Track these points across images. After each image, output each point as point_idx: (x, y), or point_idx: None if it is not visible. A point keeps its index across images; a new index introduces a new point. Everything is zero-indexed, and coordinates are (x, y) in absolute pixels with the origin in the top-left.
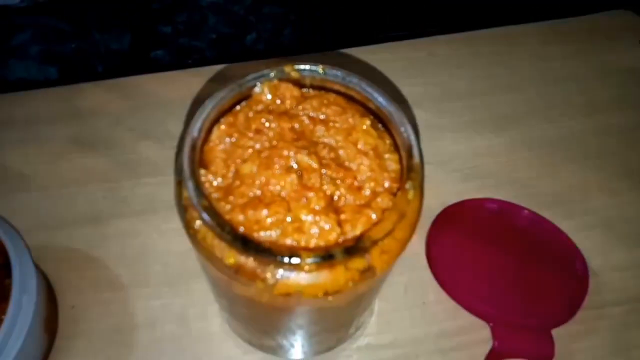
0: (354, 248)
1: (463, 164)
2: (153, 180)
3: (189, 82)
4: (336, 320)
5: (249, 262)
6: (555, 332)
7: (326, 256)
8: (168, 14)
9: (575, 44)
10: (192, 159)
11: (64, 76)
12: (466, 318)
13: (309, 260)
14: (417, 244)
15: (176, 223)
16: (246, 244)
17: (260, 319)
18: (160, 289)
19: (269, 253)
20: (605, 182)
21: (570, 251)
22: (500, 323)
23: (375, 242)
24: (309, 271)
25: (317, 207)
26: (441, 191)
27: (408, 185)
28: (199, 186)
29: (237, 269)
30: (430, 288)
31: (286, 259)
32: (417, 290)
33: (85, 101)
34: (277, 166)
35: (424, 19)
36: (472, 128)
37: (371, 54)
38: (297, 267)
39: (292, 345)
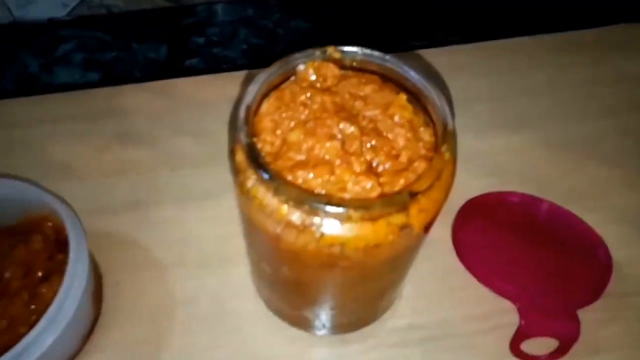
0: (394, 200)
1: (485, 161)
2: (189, 172)
3: (222, 84)
4: (372, 287)
5: (298, 214)
6: (581, 317)
7: (368, 207)
8: (201, 27)
9: (587, 53)
10: (247, 122)
11: (105, 81)
12: (493, 303)
13: (354, 210)
14: (444, 233)
15: (210, 211)
16: (299, 193)
17: (301, 281)
18: (196, 270)
19: (317, 202)
20: (625, 179)
21: (592, 239)
22: (526, 303)
23: (414, 196)
24: (353, 221)
25: (358, 170)
26: (465, 186)
27: (444, 148)
28: (253, 145)
29: (287, 223)
30: (457, 274)
31: (333, 209)
32: (444, 276)
33: (125, 101)
34: (321, 134)
35: (446, 30)
36: (492, 128)
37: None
38: (342, 218)
39: (324, 318)
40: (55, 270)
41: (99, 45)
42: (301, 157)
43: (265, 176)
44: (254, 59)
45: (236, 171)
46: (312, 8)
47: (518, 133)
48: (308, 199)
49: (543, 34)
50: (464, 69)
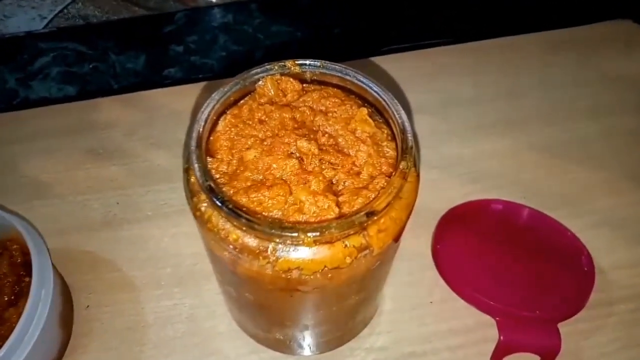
0: (350, 222)
1: (469, 167)
2: (164, 187)
3: (198, 94)
4: (339, 308)
5: (252, 239)
6: (562, 329)
7: (325, 229)
8: (180, 35)
9: (577, 51)
10: (199, 145)
11: (82, 94)
12: (473, 316)
13: (309, 233)
14: (423, 245)
15: (186, 227)
16: (248, 220)
17: (265, 305)
18: (171, 290)
19: (269, 227)
20: (610, 183)
21: (575, 247)
22: (506, 317)
23: (371, 216)
24: (308, 245)
25: (316, 189)
26: (447, 194)
27: (402, 164)
28: (205, 169)
29: (241, 247)
30: (436, 287)
31: (287, 233)
32: (423, 290)
33: (101, 114)
34: (278, 152)
35: (428, 31)
36: (477, 132)
37: (376, 65)
38: (297, 241)
39: (298, 339)
40: (24, 293)
41: (76, 57)
42: (258, 177)
43: (217, 202)
44: (233, 67)
45: (190, 193)
46: (293, 12)
47: (503, 137)
48: (259, 224)
49: (528, 32)
50: (448, 70)
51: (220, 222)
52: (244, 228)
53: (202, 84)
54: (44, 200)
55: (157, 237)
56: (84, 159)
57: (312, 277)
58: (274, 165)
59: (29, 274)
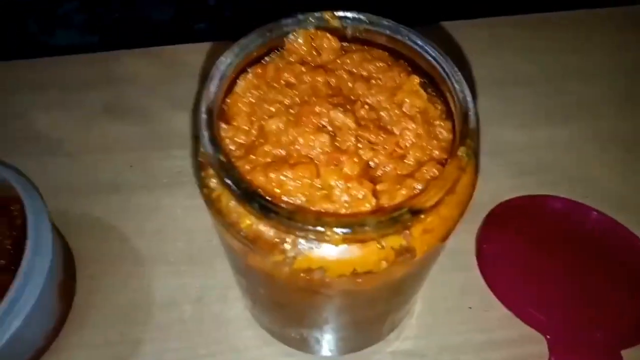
0: (391, 220)
1: (522, 157)
2: (182, 153)
3: None
4: (367, 313)
5: (268, 228)
6: (626, 356)
7: (357, 226)
8: None
9: None
10: (210, 108)
11: (105, 45)
12: (518, 328)
13: (337, 229)
14: (467, 241)
15: (201, 199)
16: (264, 205)
17: (280, 302)
18: (180, 267)
19: (289, 218)
20: None
21: None
22: (559, 336)
23: (416, 215)
24: (336, 243)
25: (350, 173)
26: (496, 186)
27: (461, 151)
28: (215, 138)
29: (254, 237)
30: (478, 291)
31: (310, 227)
32: (462, 293)
33: (121, 68)
34: (307, 124)
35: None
36: (532, 118)
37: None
38: (322, 237)
39: (316, 340)
40: (20, 258)
41: (102, 4)
42: (280, 152)
43: (228, 181)
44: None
45: (199, 165)
46: None
47: (564, 125)
48: (277, 213)
49: (596, 7)
50: (502, 45)
51: (232, 203)
52: (259, 215)
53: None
54: (53, 157)
55: (170, 208)
56: (99, 116)
57: (337, 280)
58: (300, 140)
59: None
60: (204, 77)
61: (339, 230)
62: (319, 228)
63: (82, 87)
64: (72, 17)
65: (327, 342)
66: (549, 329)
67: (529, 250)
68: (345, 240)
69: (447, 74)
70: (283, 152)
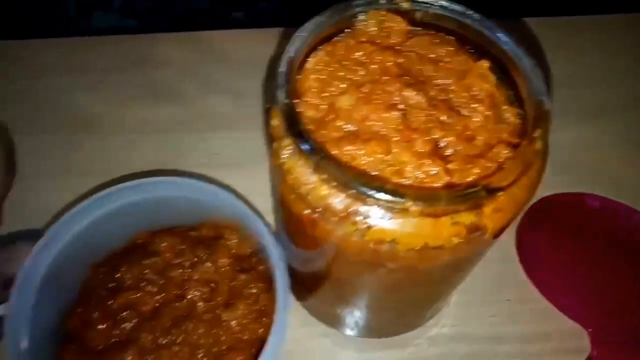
0: (467, 196)
1: (562, 154)
2: (220, 135)
3: (265, 41)
4: (419, 293)
5: (342, 199)
6: None
7: (434, 200)
8: None
9: None
10: (288, 80)
11: (143, 28)
12: (556, 322)
13: (414, 201)
14: (506, 234)
15: (241, 182)
16: (343, 172)
17: (338, 276)
18: None
19: (368, 186)
20: None
21: None
22: (601, 331)
23: (493, 192)
24: (412, 215)
25: (422, 151)
26: None
27: (537, 133)
28: (293, 109)
29: (326, 207)
30: (516, 284)
31: (387, 197)
32: (501, 285)
33: (159, 51)
34: (378, 101)
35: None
36: (575, 116)
37: None
38: (398, 209)
39: (359, 319)
40: (238, 295)
41: None
42: (351, 127)
43: (305, 147)
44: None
45: (271, 138)
46: None
47: (608, 124)
48: (356, 181)
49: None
50: (547, 44)
51: (305, 174)
52: (336, 184)
53: (271, 30)
54: (91, 135)
55: None
56: (137, 97)
57: (406, 253)
58: (372, 117)
59: (242, 271)
60: (239, 63)
61: (416, 202)
62: (397, 199)
63: (119, 68)
64: (112, 1)
65: (368, 322)
66: (590, 322)
67: (569, 245)
68: (422, 213)
69: (520, 58)
70: (354, 128)
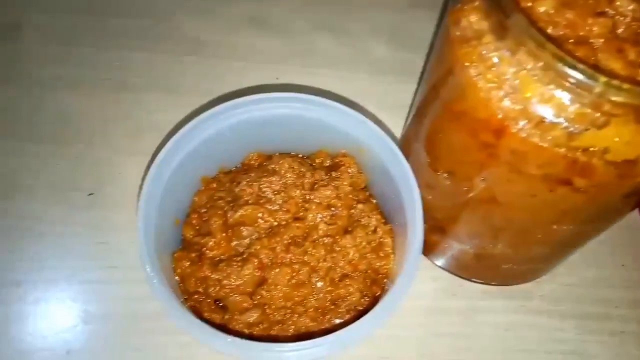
0: None
1: None
2: (326, 72)
3: None
4: (572, 233)
5: (550, 101)
6: None
7: None
8: None
9: None
10: None
11: None
12: None
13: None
14: None
15: None
16: (575, 65)
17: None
18: None
19: (593, 77)
20: None
21: None
22: None
23: None
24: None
25: (636, 61)
26: None
27: None
28: None
29: (530, 109)
30: (632, 250)
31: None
32: (616, 250)
33: None
34: (584, 7)
35: None
36: None
37: None
38: (621, 114)
39: (481, 257)
40: (356, 223)
41: None
42: (551, 32)
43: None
44: None
45: (459, 40)
46: None
47: None
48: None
49: None
50: None
51: (511, 71)
52: (551, 78)
53: None
54: (201, 57)
55: None
56: (246, 27)
57: (605, 168)
58: (579, 22)
59: (360, 201)
60: (347, 3)
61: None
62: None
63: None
64: None
65: (487, 264)
66: None
67: None
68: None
69: None
70: (557, 33)
